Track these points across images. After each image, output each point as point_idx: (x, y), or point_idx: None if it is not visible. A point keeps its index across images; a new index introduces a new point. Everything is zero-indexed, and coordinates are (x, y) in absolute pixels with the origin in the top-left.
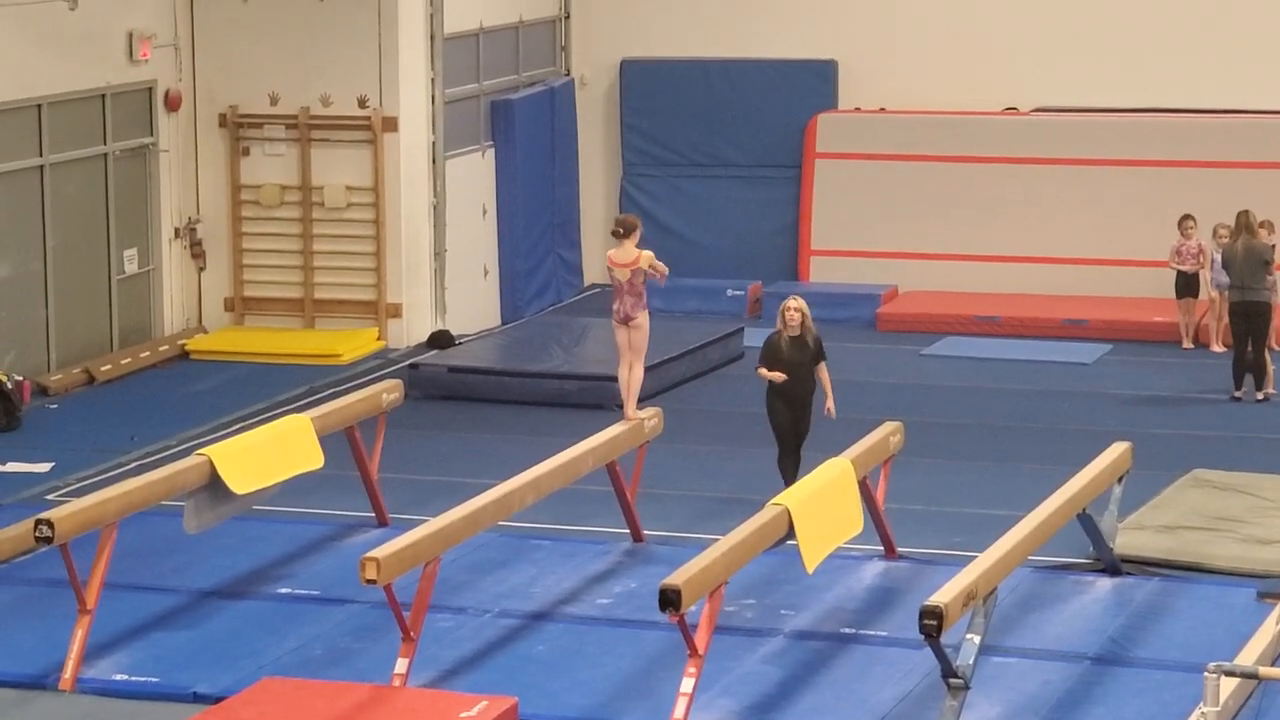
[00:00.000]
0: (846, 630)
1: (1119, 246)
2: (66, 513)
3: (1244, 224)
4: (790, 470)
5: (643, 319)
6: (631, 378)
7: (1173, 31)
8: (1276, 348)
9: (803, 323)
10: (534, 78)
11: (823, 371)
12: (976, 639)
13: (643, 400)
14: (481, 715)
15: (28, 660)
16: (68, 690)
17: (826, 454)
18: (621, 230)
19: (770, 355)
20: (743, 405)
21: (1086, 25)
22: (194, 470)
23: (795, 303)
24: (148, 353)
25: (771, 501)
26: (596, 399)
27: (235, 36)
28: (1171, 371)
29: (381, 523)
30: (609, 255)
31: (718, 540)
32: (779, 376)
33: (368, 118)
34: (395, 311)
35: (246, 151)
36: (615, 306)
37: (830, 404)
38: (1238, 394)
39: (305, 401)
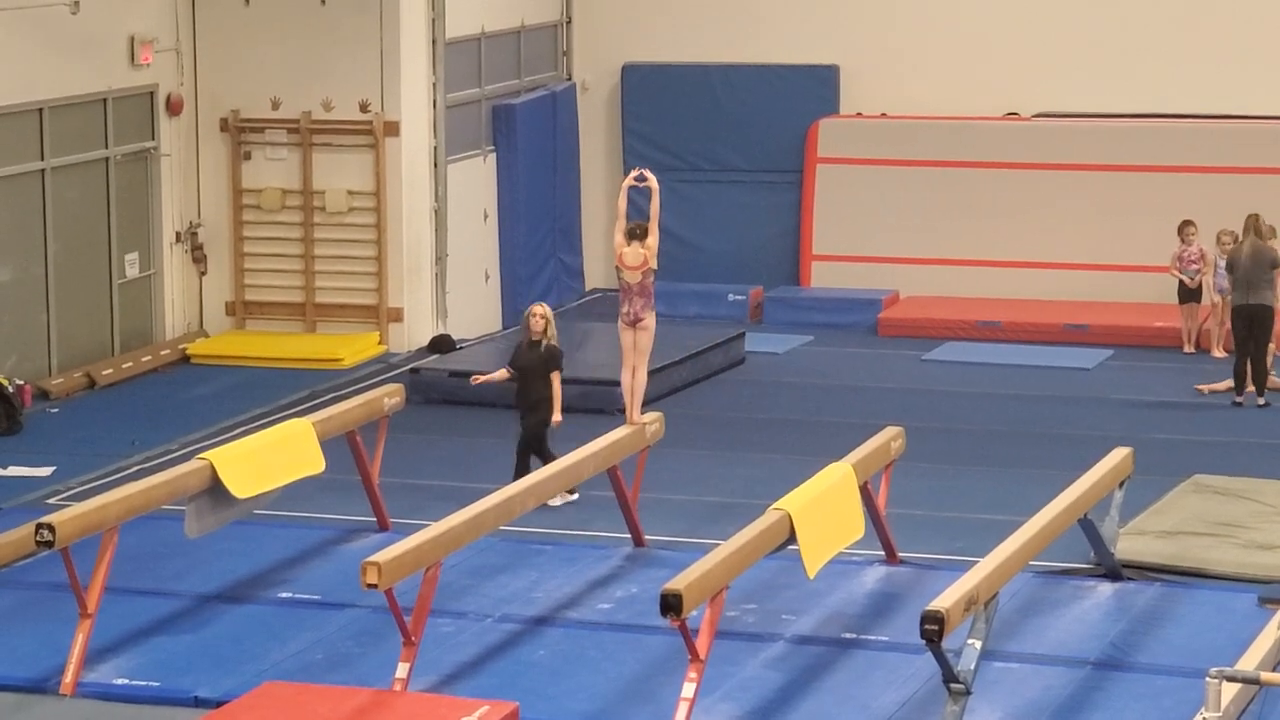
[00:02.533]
0: (848, 635)
1: (1120, 251)
2: (67, 517)
3: (1253, 226)
4: (518, 468)
5: (650, 320)
6: (635, 382)
7: (1174, 37)
8: (1278, 352)
9: (545, 330)
10: (535, 82)
11: (554, 380)
12: (978, 644)
13: (645, 405)
14: None
15: (28, 664)
16: (68, 694)
17: (827, 459)
18: (638, 232)
19: (512, 357)
20: (744, 410)
21: (1088, 30)
22: (195, 474)
23: (540, 309)
24: (149, 357)
25: (773, 506)
26: (598, 404)
27: (237, 40)
28: (1173, 376)
29: (382, 527)
30: (620, 254)
31: (719, 545)
32: (499, 376)
33: (369, 122)
34: (396, 316)
35: (248, 156)
36: (624, 310)
37: (555, 414)
38: (1239, 399)
39: (306, 406)
